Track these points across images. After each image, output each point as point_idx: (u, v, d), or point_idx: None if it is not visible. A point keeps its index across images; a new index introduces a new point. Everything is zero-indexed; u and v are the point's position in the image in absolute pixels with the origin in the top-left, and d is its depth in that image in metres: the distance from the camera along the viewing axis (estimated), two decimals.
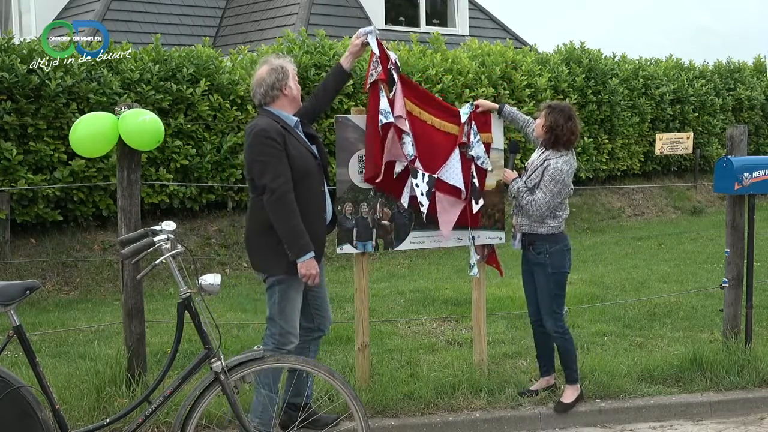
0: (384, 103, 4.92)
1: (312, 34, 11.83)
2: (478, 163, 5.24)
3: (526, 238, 5.17)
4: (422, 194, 5.09)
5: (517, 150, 5.43)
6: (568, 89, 13.17)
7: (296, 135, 4.53)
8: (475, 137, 5.25)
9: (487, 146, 5.32)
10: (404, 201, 5.15)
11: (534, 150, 5.35)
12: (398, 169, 5.05)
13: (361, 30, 4.96)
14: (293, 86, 4.58)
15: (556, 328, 5.14)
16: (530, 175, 5.13)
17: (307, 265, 4.39)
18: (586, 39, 21.69)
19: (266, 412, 4.42)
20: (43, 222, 9.04)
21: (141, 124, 4.84)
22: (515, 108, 5.44)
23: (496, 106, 5.34)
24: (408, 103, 5.05)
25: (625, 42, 43.19)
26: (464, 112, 5.27)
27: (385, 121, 4.91)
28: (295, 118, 4.60)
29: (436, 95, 11.07)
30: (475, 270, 5.36)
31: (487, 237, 5.39)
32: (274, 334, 4.51)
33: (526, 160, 5.49)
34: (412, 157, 5.03)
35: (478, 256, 5.41)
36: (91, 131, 4.85)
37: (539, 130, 5.13)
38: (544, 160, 5.07)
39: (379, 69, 4.94)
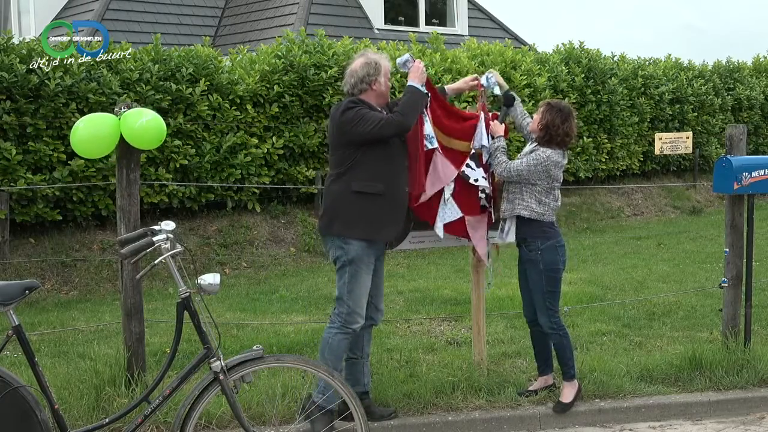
0: (428, 128, 4.93)
1: (311, 33, 11.83)
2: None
3: (518, 235, 5.13)
4: (483, 179, 5.12)
5: (511, 104, 5.35)
6: (567, 89, 13.18)
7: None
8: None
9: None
10: (439, 231, 5.12)
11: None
12: (447, 194, 5.06)
13: (400, 59, 4.98)
14: (383, 82, 4.77)
15: (551, 324, 5.12)
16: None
17: (421, 80, 4.79)
18: (585, 39, 21.70)
19: (329, 388, 4.45)
20: (43, 222, 9.04)
21: (139, 127, 4.83)
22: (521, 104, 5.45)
23: (506, 86, 5.30)
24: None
25: (624, 42, 43.28)
26: (486, 82, 5.27)
27: (429, 147, 4.93)
28: (379, 109, 4.75)
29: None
30: (488, 286, 5.47)
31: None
32: (341, 313, 4.69)
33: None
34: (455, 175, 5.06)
35: (489, 265, 5.40)
36: (92, 133, 4.85)
37: (534, 126, 5.13)
38: (533, 150, 5.09)
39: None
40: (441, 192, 5.05)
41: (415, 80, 4.82)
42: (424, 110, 4.92)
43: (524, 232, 5.09)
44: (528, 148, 5.18)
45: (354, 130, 4.60)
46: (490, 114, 5.28)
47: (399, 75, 11.17)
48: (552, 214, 5.10)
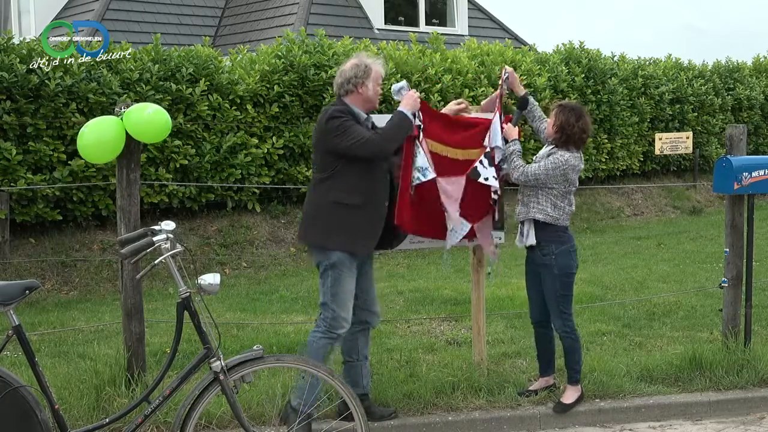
0: (421, 160, 4.85)
1: (311, 33, 11.83)
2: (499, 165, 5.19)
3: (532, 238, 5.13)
4: (494, 179, 5.04)
5: (525, 107, 5.30)
6: (567, 89, 13.18)
7: (365, 125, 4.68)
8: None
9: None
10: (448, 244, 5.14)
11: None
12: (451, 225, 5.04)
13: (395, 86, 4.92)
14: (371, 87, 4.69)
15: (564, 328, 5.12)
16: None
17: (411, 108, 4.74)
18: (585, 39, 21.69)
19: (310, 393, 4.42)
20: (43, 222, 9.04)
21: (147, 117, 4.83)
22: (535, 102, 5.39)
23: (524, 90, 5.29)
24: (431, 143, 4.97)
25: (624, 42, 43.30)
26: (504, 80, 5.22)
27: (422, 179, 4.84)
28: (365, 115, 4.72)
29: (437, 96, 11.14)
30: (492, 275, 5.45)
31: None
32: (326, 318, 4.64)
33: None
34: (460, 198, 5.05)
35: (494, 259, 5.41)
36: (98, 137, 4.83)
37: (550, 130, 5.12)
38: (550, 153, 5.07)
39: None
40: (442, 215, 5.03)
41: (406, 107, 4.75)
42: (417, 143, 4.85)
43: (538, 236, 5.07)
44: (544, 150, 5.16)
45: (333, 141, 4.55)
46: (504, 116, 5.24)
47: (399, 75, 11.17)
48: (566, 219, 5.09)
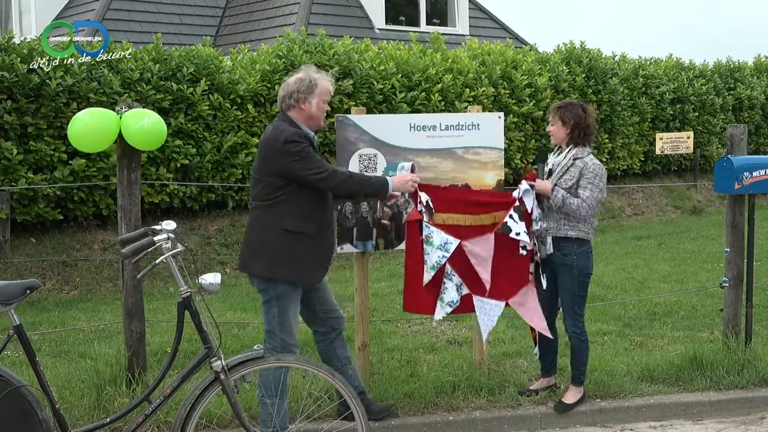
0: (439, 238, 4.88)
1: (312, 33, 11.83)
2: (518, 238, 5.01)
3: (553, 242, 5.07)
4: (525, 234, 4.92)
5: (545, 159, 5.23)
6: (568, 89, 13.17)
7: (314, 145, 4.50)
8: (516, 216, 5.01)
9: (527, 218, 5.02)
10: (437, 316, 5.10)
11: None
12: (485, 276, 4.97)
13: (401, 164, 4.88)
14: (314, 104, 4.42)
15: (575, 328, 5.12)
16: (562, 176, 5.00)
17: (398, 186, 4.60)
18: (586, 39, 21.69)
19: (281, 417, 4.38)
20: (44, 221, 9.04)
21: (140, 129, 4.84)
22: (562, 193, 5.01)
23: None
24: (443, 216, 4.93)
25: (624, 42, 43.32)
26: (522, 189, 4.99)
27: (448, 255, 4.90)
28: (312, 133, 4.51)
29: (438, 96, 11.14)
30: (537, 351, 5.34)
31: None
32: (275, 348, 4.44)
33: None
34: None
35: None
36: (90, 126, 4.85)
37: (560, 134, 5.07)
38: (575, 159, 5.01)
39: (410, 209, 4.89)
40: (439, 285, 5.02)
41: (394, 182, 4.58)
42: (425, 225, 4.84)
43: (561, 239, 5.06)
44: (563, 159, 5.07)
45: (291, 166, 4.29)
46: (528, 174, 5.11)
47: (400, 75, 11.18)
48: (591, 233, 5.12)
